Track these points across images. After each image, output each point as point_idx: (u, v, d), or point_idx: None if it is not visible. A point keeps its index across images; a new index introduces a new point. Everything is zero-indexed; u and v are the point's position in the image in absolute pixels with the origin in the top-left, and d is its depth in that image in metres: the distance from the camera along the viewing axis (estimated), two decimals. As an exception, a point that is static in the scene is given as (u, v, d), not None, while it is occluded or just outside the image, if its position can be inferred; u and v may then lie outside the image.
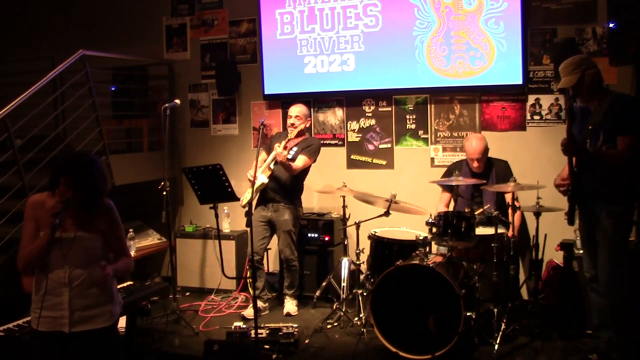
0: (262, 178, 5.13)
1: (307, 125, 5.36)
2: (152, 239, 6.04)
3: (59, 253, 2.91)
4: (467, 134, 5.29)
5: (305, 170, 5.27)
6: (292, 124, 5.22)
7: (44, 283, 2.90)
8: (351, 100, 5.99)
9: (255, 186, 5.06)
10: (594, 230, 3.88)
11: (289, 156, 5.09)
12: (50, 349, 2.93)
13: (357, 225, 4.94)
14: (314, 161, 5.28)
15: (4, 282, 4.05)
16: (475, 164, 4.95)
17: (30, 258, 2.89)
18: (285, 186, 5.18)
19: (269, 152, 5.29)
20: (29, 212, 2.96)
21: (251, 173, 5.21)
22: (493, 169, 5.00)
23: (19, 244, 2.96)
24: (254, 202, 5.24)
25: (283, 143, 5.03)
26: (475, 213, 4.49)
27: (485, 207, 4.66)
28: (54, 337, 2.91)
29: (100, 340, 3.00)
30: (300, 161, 5.12)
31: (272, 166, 5.12)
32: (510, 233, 4.66)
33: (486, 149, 4.97)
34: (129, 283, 4.36)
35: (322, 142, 6.08)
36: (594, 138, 3.77)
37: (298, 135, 5.25)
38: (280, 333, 4.38)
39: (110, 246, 3.06)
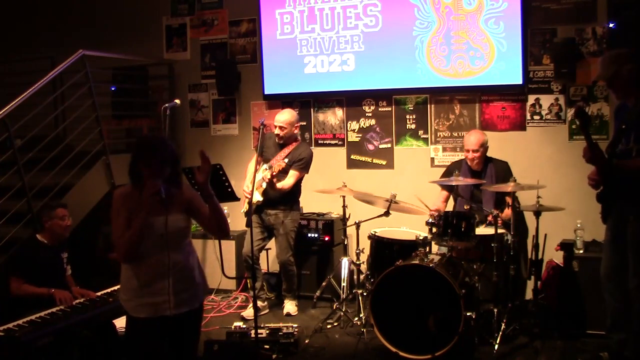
0: (257, 196, 5.08)
1: (295, 131, 5.26)
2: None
3: (154, 238, 2.94)
4: (467, 132, 5.27)
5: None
6: (277, 134, 5.17)
7: (144, 270, 2.93)
8: (351, 100, 5.99)
9: (253, 200, 5.01)
10: (622, 230, 3.77)
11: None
12: (152, 334, 2.98)
13: (357, 225, 4.93)
14: (307, 173, 5.23)
15: (3, 282, 4.05)
16: (470, 156, 4.94)
17: (133, 241, 2.89)
18: (281, 193, 5.13)
19: (260, 154, 5.22)
20: (120, 203, 2.97)
21: (247, 185, 5.19)
22: (492, 168, 4.99)
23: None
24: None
25: (268, 173, 4.90)
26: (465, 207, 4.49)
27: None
28: (157, 322, 2.96)
29: (191, 321, 3.08)
30: (292, 177, 5.07)
31: (264, 185, 5.07)
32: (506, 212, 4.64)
33: (484, 144, 4.95)
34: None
35: (322, 142, 6.10)
36: (625, 138, 3.68)
37: (288, 142, 5.20)
38: (280, 333, 4.38)
39: (200, 211, 3.05)
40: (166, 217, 2.96)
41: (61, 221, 4.18)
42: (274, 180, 4.90)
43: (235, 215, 5.89)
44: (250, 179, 5.28)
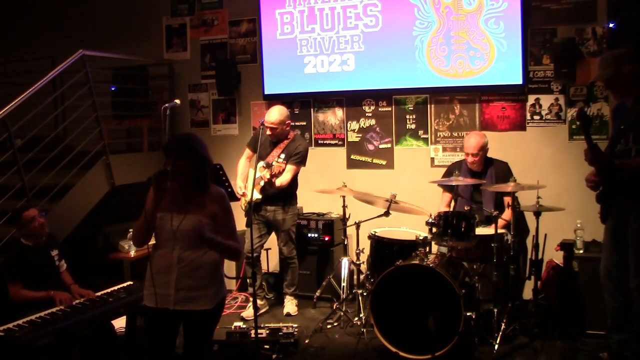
0: (255, 194, 5.06)
1: (287, 128, 5.19)
2: (152, 239, 6.02)
3: (169, 232, 3.02)
4: (466, 134, 5.28)
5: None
6: (270, 134, 5.12)
7: (155, 261, 3.06)
8: (351, 100, 5.99)
9: (248, 199, 5.00)
10: (622, 230, 3.76)
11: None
12: (156, 323, 3.10)
13: (357, 225, 4.93)
14: (304, 166, 5.23)
15: (2, 285, 4.04)
16: (470, 159, 4.95)
17: (139, 226, 3.07)
18: (279, 189, 5.12)
19: (253, 149, 5.20)
20: (150, 195, 3.06)
21: (240, 185, 5.19)
22: (492, 169, 4.99)
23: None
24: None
25: (267, 173, 4.85)
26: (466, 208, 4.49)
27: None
28: (160, 313, 3.04)
29: (199, 321, 3.09)
30: (289, 172, 5.05)
31: (261, 183, 5.06)
32: (507, 218, 4.66)
33: (483, 147, 4.95)
34: (128, 283, 4.37)
35: (322, 142, 6.10)
36: (624, 138, 3.67)
37: (281, 138, 5.16)
38: (280, 333, 4.39)
39: (220, 231, 3.10)
40: (184, 215, 3.01)
41: (31, 223, 4.10)
42: (273, 179, 4.90)
43: (236, 215, 5.82)
44: (242, 177, 5.28)
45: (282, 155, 5.07)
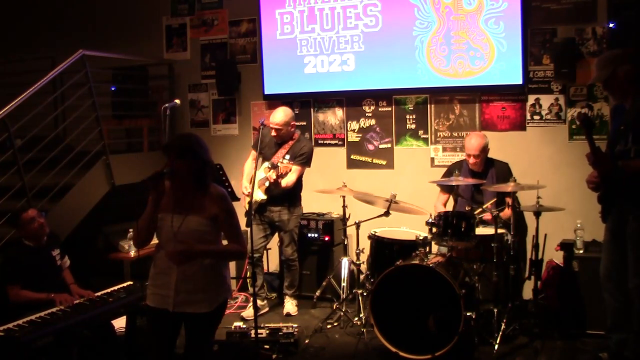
0: (260, 195, 5.08)
1: (292, 129, 5.19)
2: (153, 239, 6.02)
3: (170, 233, 3.00)
4: (467, 134, 5.29)
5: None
6: (275, 136, 5.14)
7: (156, 261, 3.08)
8: (351, 100, 5.99)
9: (254, 199, 5.00)
10: (622, 230, 3.76)
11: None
12: (156, 323, 3.10)
13: (357, 225, 4.93)
14: (309, 167, 5.24)
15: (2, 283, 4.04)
16: (472, 160, 4.95)
17: (139, 227, 3.06)
18: (284, 190, 5.13)
19: (259, 151, 5.21)
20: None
21: (245, 185, 5.19)
22: (492, 170, 4.99)
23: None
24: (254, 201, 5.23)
25: (273, 173, 4.85)
26: (476, 212, 4.49)
27: (486, 205, 4.66)
28: (160, 313, 3.04)
29: (198, 324, 3.06)
30: (294, 173, 5.05)
31: (266, 183, 5.06)
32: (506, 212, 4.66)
33: (485, 148, 4.96)
34: (128, 283, 4.37)
35: (322, 142, 6.10)
36: (623, 139, 3.67)
37: (285, 139, 5.17)
38: (280, 333, 4.39)
39: (222, 232, 3.11)
40: (185, 216, 2.99)
41: (31, 225, 4.08)
42: (279, 180, 4.90)
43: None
44: (247, 178, 5.29)
45: (287, 156, 5.07)
